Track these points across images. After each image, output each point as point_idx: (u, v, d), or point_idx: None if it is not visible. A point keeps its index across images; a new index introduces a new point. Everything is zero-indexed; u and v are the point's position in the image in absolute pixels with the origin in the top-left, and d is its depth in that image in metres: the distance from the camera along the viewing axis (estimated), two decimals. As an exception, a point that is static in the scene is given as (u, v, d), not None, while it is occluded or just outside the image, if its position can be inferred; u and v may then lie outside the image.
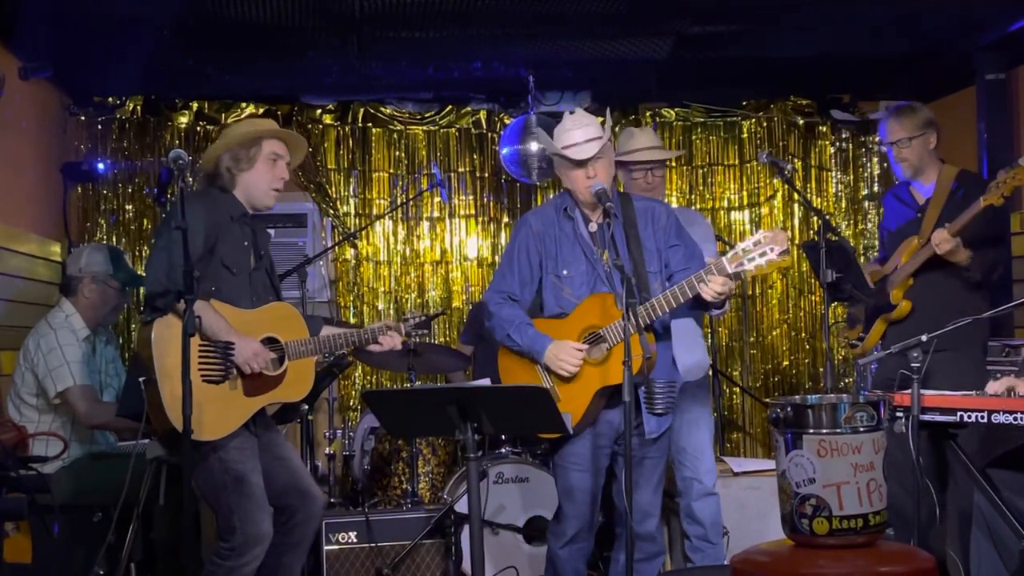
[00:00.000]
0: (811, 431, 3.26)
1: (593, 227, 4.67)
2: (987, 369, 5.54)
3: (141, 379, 4.30)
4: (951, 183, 5.55)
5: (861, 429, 3.25)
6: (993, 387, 4.36)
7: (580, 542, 4.68)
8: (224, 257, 4.53)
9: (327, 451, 6.62)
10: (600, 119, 4.67)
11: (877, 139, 7.73)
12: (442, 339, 7.70)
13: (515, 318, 4.63)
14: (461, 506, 5.77)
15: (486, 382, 4.52)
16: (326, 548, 5.72)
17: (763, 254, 4.33)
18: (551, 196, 7.02)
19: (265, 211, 4.76)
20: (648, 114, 7.82)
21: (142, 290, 6.94)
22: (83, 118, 7.38)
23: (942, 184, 5.57)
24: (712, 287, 4.35)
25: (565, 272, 4.63)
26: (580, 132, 4.58)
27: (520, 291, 4.69)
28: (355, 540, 5.76)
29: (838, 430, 3.24)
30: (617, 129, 6.75)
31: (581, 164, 4.55)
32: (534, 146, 6.99)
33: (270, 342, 4.54)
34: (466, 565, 5.72)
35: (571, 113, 4.67)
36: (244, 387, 4.47)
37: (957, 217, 5.29)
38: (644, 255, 4.58)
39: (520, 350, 4.61)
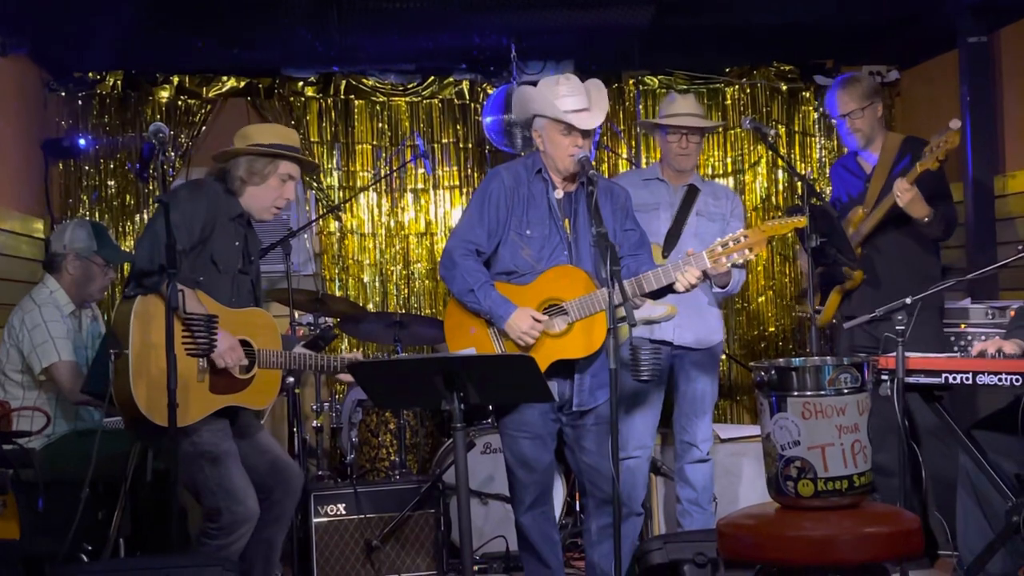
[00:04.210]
0: (795, 393, 3.26)
1: (559, 194, 4.68)
2: (944, 331, 5.65)
3: (111, 351, 4.28)
4: (896, 150, 5.66)
5: (845, 391, 3.25)
6: (980, 348, 4.37)
7: (540, 507, 4.74)
8: (214, 252, 4.53)
9: (314, 424, 6.62)
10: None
11: (817, 115, 7.78)
12: (428, 311, 7.69)
13: (480, 274, 4.61)
14: (449, 477, 5.78)
15: (472, 351, 4.51)
16: (315, 520, 5.73)
17: (741, 253, 4.50)
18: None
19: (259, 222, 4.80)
20: (631, 82, 7.80)
21: (127, 266, 6.96)
22: (63, 94, 7.31)
23: (887, 152, 5.67)
24: (688, 278, 4.48)
25: (528, 232, 4.64)
26: (577, 100, 4.59)
27: (487, 243, 4.66)
28: (344, 512, 5.78)
29: (822, 392, 3.24)
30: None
31: (572, 132, 4.56)
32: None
33: (243, 345, 4.54)
34: (455, 535, 5.74)
35: (565, 77, 4.67)
36: (211, 383, 4.45)
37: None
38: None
39: (478, 310, 4.60)
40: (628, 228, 4.77)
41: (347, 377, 4.79)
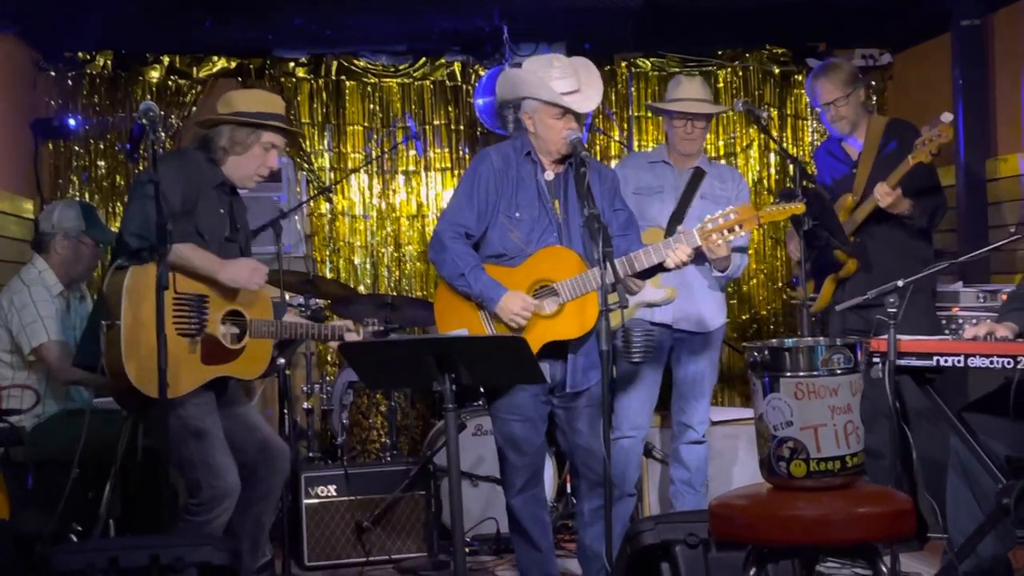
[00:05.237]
0: (788, 374, 3.25)
1: (550, 175, 4.66)
2: (937, 315, 5.69)
3: (103, 322, 4.25)
4: (880, 135, 5.70)
5: (838, 371, 3.24)
6: (971, 331, 4.37)
7: (531, 489, 4.73)
8: (198, 223, 4.48)
9: (305, 406, 6.60)
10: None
11: (806, 103, 7.76)
12: (419, 292, 7.68)
13: (470, 257, 4.58)
14: (440, 458, 5.78)
15: (463, 332, 4.50)
16: (305, 502, 5.73)
17: (732, 230, 4.46)
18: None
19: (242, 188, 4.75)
20: (624, 65, 7.79)
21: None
22: (53, 74, 7.29)
23: (872, 136, 5.71)
24: (678, 256, 4.48)
25: (517, 215, 4.61)
26: (569, 81, 4.57)
27: (476, 225, 4.64)
28: (335, 493, 5.78)
29: (815, 372, 3.23)
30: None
31: (566, 115, 4.54)
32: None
33: (234, 315, 4.52)
34: (446, 517, 5.74)
35: (556, 58, 4.65)
36: (202, 353, 4.42)
37: (893, 170, 5.42)
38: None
39: (469, 293, 4.58)
40: (617, 208, 4.76)
41: (336, 344, 4.76)
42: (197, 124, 4.69)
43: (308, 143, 7.58)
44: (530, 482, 4.73)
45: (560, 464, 6.15)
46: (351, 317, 6.82)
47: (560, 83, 4.56)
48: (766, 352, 3.32)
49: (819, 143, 7.84)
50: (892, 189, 5.40)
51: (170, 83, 7.47)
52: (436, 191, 7.76)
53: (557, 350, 4.60)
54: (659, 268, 4.57)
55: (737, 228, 4.52)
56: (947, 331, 5.62)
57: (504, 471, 4.77)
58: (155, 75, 7.43)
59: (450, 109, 7.75)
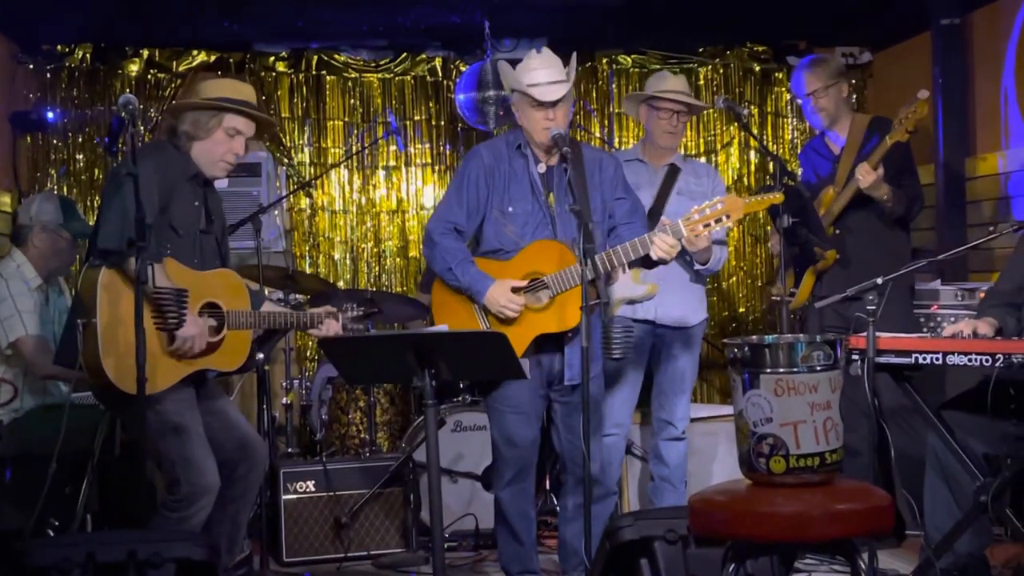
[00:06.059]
0: (768, 370, 3.25)
1: (542, 168, 4.68)
2: (914, 312, 5.71)
3: (80, 321, 4.22)
4: (864, 131, 5.73)
5: (818, 368, 3.25)
6: (951, 329, 4.39)
7: (520, 483, 4.74)
8: (173, 217, 4.43)
9: (284, 401, 6.59)
10: (565, 65, 4.67)
11: (790, 96, 7.77)
12: (399, 288, 7.66)
13: (458, 252, 4.62)
14: (419, 455, 5.77)
15: (444, 328, 4.50)
16: (284, 498, 5.71)
17: (719, 220, 4.49)
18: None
19: (214, 180, 4.66)
20: (605, 61, 7.79)
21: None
22: (31, 66, 7.23)
23: (855, 132, 5.76)
24: (661, 245, 4.47)
25: (510, 209, 4.64)
26: (545, 73, 4.59)
27: (466, 222, 4.67)
28: (313, 489, 5.76)
29: (795, 369, 3.24)
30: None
31: (542, 105, 4.55)
32: (490, 93, 6.94)
33: (211, 307, 4.47)
34: (424, 513, 5.73)
35: (538, 52, 4.66)
36: None
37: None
38: (589, 204, 4.60)
39: (459, 287, 4.60)
40: (619, 197, 4.76)
41: (317, 332, 4.72)
42: (166, 111, 4.64)
43: (288, 138, 7.56)
44: (519, 476, 4.74)
45: (541, 461, 6.13)
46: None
47: (534, 74, 4.59)
48: (746, 348, 3.32)
49: (799, 140, 7.90)
50: (873, 168, 5.43)
51: (149, 77, 7.43)
52: (416, 186, 7.75)
53: (554, 342, 4.61)
54: (648, 259, 4.56)
55: (724, 218, 4.52)
56: (925, 329, 5.64)
57: (495, 463, 4.78)
58: (134, 69, 7.39)
59: (431, 104, 7.73)
